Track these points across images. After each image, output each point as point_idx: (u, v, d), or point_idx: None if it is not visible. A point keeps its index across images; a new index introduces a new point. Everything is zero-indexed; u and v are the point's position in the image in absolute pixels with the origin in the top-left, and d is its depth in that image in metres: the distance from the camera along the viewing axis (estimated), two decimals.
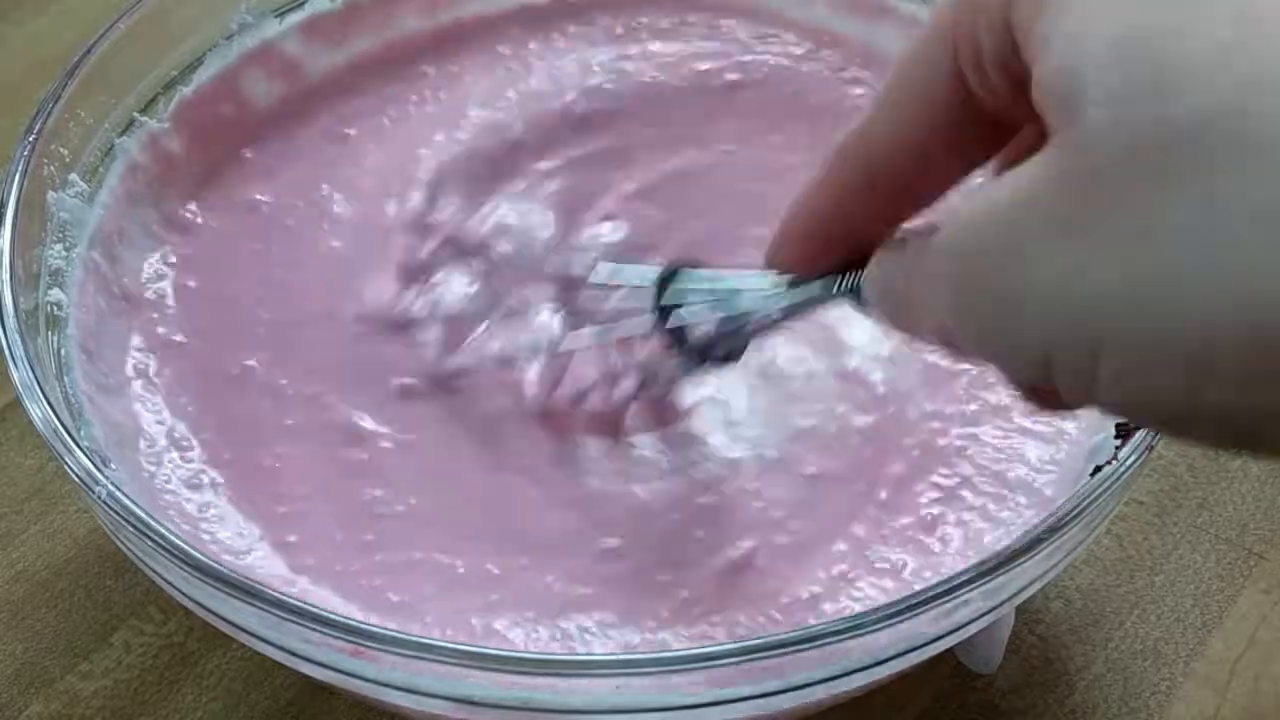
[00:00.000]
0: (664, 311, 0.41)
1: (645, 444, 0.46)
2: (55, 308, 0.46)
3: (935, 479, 0.45)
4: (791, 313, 0.37)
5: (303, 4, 0.56)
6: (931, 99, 0.30)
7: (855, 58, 0.57)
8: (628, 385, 0.46)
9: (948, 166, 0.31)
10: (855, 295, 0.34)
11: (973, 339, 0.27)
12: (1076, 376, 0.25)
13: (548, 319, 0.49)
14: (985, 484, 0.45)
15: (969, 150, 0.30)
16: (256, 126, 0.55)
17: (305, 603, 0.36)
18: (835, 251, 0.34)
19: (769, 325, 0.38)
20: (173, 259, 0.51)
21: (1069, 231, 0.24)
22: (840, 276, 0.34)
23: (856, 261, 0.34)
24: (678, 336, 0.41)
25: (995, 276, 0.26)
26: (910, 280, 0.30)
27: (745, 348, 0.41)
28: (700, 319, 0.40)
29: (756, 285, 0.38)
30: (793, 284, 0.36)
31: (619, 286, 0.45)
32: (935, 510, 0.44)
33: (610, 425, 0.46)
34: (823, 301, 0.35)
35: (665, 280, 0.41)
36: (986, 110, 0.29)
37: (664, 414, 0.46)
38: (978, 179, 0.31)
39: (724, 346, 0.41)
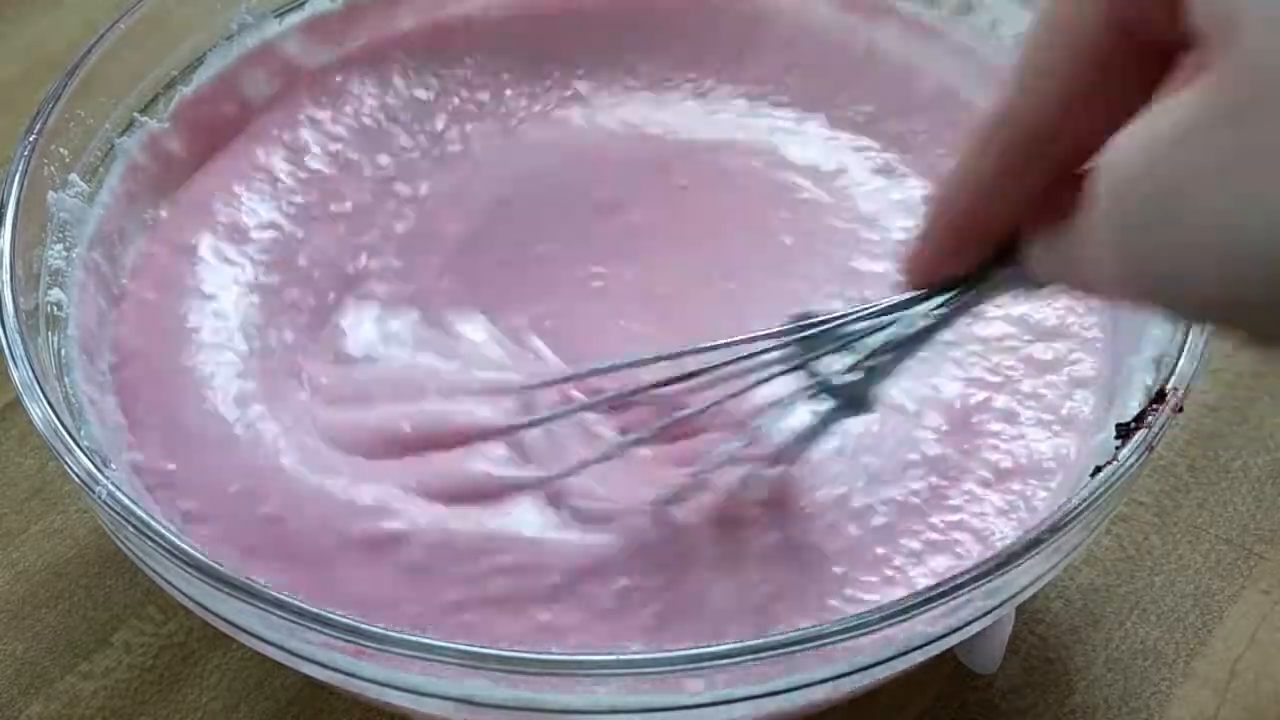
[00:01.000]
0: (802, 364, 0.39)
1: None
2: (55, 308, 0.46)
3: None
4: (948, 322, 0.37)
5: (303, 4, 0.56)
6: (1088, 50, 0.28)
7: None
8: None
9: (1105, 122, 0.28)
10: (1015, 283, 0.34)
11: (1148, 289, 0.26)
12: (1270, 314, 0.24)
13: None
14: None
15: (1128, 97, 0.28)
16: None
17: (305, 602, 0.36)
18: (984, 248, 0.33)
19: (914, 347, 0.38)
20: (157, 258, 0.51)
21: (1237, 160, 0.23)
22: (992, 269, 0.34)
23: (1000, 254, 0.33)
24: (820, 387, 0.40)
25: (1160, 217, 0.24)
26: (1076, 241, 0.29)
27: (882, 385, 0.40)
28: (841, 358, 0.39)
29: (899, 306, 0.37)
30: (928, 296, 0.36)
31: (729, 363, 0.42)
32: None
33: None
34: (991, 295, 0.35)
35: (793, 333, 0.40)
36: (1146, 49, 0.27)
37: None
38: None
39: (866, 386, 0.39)
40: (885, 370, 0.39)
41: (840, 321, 0.39)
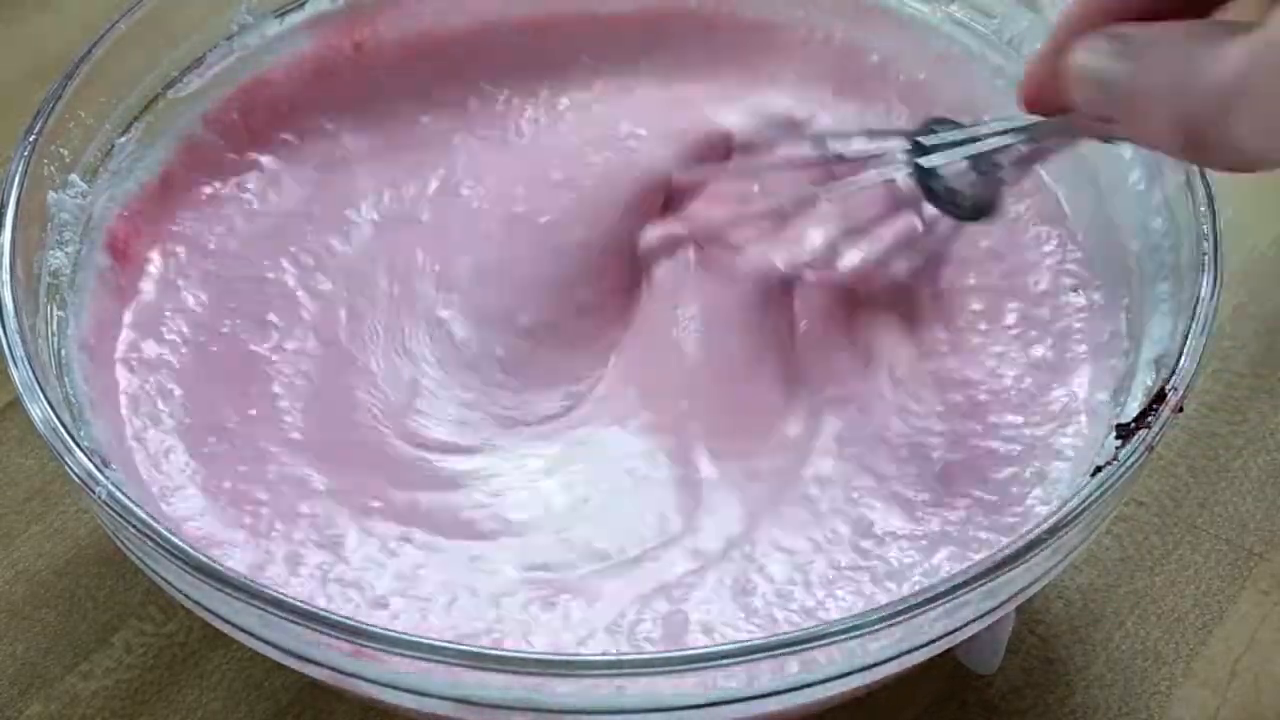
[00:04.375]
0: (919, 165, 0.44)
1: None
2: (55, 307, 0.46)
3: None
4: (1042, 147, 0.40)
5: (303, 4, 0.56)
6: None
7: None
8: (887, 245, 0.48)
9: None
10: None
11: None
12: None
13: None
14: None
15: None
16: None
17: (305, 603, 0.36)
18: None
19: (1021, 166, 0.42)
20: (178, 253, 0.51)
21: None
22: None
23: None
24: (934, 188, 0.44)
25: None
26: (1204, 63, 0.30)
27: (999, 197, 0.43)
28: (953, 159, 0.43)
29: (1004, 125, 0.40)
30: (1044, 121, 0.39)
31: (874, 156, 0.46)
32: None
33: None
34: (1072, 134, 0.38)
35: (919, 136, 0.44)
36: None
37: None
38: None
39: (978, 193, 0.43)
40: (1006, 179, 0.42)
41: (966, 132, 0.43)
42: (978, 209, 0.44)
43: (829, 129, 0.52)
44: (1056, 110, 0.38)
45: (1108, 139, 0.38)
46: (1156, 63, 0.32)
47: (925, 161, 0.43)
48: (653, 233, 0.50)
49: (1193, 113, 0.31)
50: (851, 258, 0.48)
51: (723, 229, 0.49)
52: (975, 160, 0.43)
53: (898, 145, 0.45)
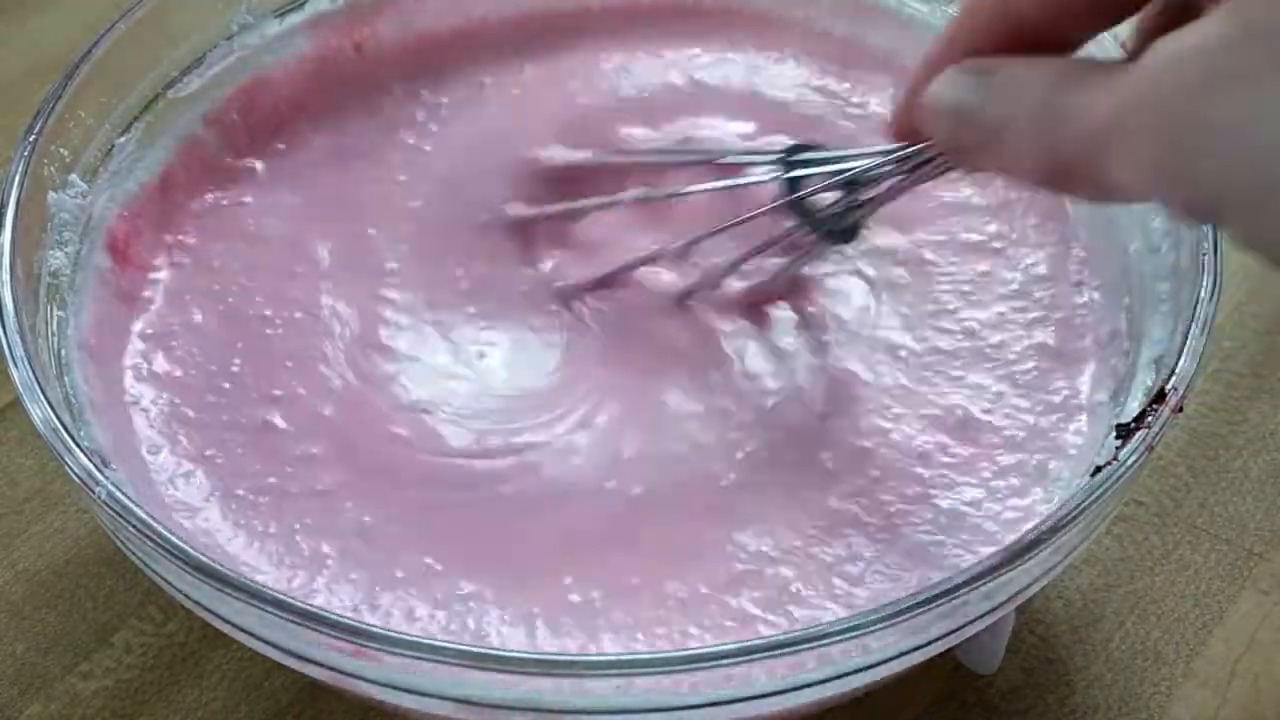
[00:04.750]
0: (789, 184, 0.44)
1: (785, 326, 0.48)
2: (55, 307, 0.46)
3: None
4: (911, 177, 0.40)
5: (303, 4, 0.56)
6: None
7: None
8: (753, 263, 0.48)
9: (1082, 23, 0.33)
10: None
11: (1149, 171, 0.28)
12: (1247, 215, 0.27)
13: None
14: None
15: (1109, 8, 0.33)
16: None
17: (305, 603, 0.36)
18: None
19: (888, 194, 0.41)
20: (178, 256, 0.51)
21: (1247, 81, 0.26)
22: None
23: None
24: (800, 210, 0.44)
25: (1187, 114, 0.27)
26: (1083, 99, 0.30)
27: (863, 223, 0.44)
28: (820, 181, 0.43)
29: (874, 151, 0.41)
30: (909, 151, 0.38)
31: (744, 166, 0.48)
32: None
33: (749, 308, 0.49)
34: (937, 164, 0.38)
35: (789, 156, 0.44)
36: None
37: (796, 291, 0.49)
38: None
39: (844, 218, 0.44)
40: (870, 206, 0.43)
41: (832, 156, 0.44)
42: (840, 233, 0.45)
43: (707, 141, 0.53)
44: (922, 141, 0.37)
45: (973, 170, 0.37)
46: (1019, 96, 0.32)
47: (794, 173, 0.44)
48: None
49: (1060, 150, 0.30)
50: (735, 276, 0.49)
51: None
52: (843, 185, 0.43)
53: (770, 160, 0.45)
